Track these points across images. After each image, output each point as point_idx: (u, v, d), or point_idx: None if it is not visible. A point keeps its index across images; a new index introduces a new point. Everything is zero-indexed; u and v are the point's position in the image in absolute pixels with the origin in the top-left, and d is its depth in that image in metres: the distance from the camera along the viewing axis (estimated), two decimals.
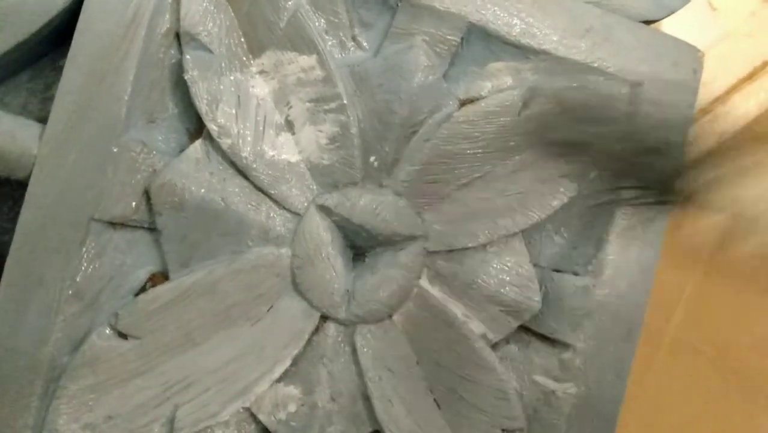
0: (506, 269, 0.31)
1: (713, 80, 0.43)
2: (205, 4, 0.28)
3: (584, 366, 0.31)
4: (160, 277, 0.28)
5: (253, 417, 0.29)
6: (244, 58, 0.28)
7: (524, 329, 0.32)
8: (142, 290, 0.28)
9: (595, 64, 0.31)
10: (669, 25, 0.38)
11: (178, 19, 0.28)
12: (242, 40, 0.28)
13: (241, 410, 0.29)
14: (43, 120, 0.27)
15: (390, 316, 0.30)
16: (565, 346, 0.31)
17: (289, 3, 0.29)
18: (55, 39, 0.28)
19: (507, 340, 0.32)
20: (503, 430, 0.31)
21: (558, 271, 0.32)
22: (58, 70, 0.28)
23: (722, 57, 0.43)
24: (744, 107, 0.45)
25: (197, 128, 0.28)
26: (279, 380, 0.29)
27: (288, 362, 0.29)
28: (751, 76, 0.43)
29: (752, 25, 0.43)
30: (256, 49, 0.29)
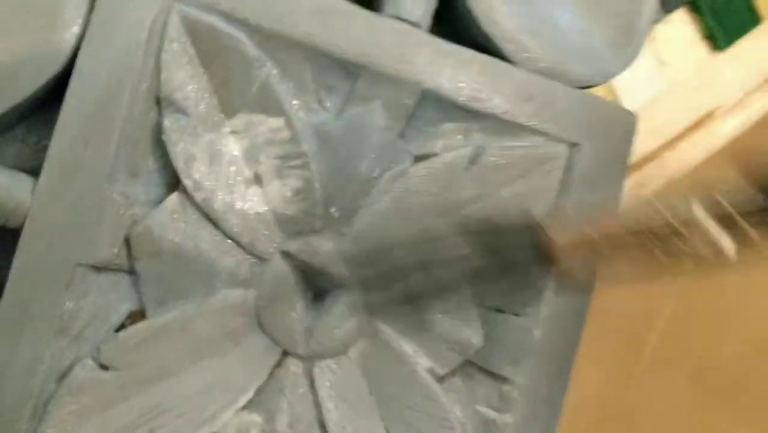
0: (452, 309, 0.34)
1: (661, 128, 0.47)
2: (183, 72, 0.31)
3: (521, 399, 0.35)
4: (139, 314, 0.32)
5: None
6: (218, 120, 0.32)
7: (469, 363, 0.35)
8: (123, 326, 0.31)
9: (538, 127, 0.35)
10: (620, 81, 0.41)
11: (158, 85, 0.31)
12: (217, 103, 0.32)
13: None
14: (35, 169, 0.31)
15: (346, 352, 0.33)
16: (504, 379, 0.35)
17: (261, 70, 0.32)
18: (48, 97, 0.32)
19: (453, 373, 0.35)
20: None
21: (500, 311, 0.35)
22: (49, 125, 0.31)
23: (670, 107, 0.46)
24: (692, 152, 0.48)
25: (175, 182, 0.32)
26: (243, 408, 0.32)
27: (251, 393, 0.32)
28: (697, 125, 0.47)
29: (699, 78, 0.46)
30: (229, 111, 0.32)
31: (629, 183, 0.47)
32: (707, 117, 0.47)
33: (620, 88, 0.44)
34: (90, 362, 0.31)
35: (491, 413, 0.35)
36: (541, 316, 0.35)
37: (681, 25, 0.45)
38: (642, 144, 0.45)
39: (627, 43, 0.37)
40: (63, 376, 0.30)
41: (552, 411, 0.35)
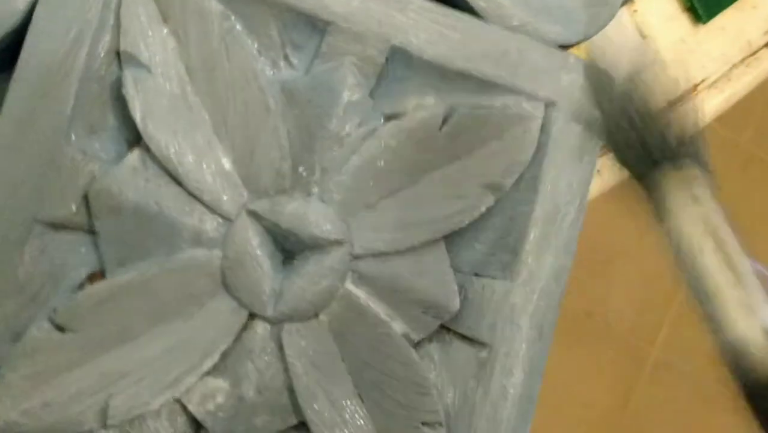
0: (428, 272, 0.33)
1: None
2: (144, 27, 0.30)
3: (499, 364, 0.33)
4: (99, 276, 0.31)
5: (184, 408, 0.31)
6: (180, 74, 0.31)
7: (445, 329, 0.34)
8: (82, 288, 0.30)
9: (512, 86, 0.34)
10: (602, 50, 0.40)
11: (118, 40, 0.30)
12: (178, 58, 0.31)
13: (172, 401, 0.31)
14: None
15: (316, 315, 0.32)
16: (482, 345, 0.34)
17: (224, 25, 0.31)
18: (8, 60, 0.31)
19: (429, 339, 0.34)
20: (423, 423, 0.33)
21: (477, 275, 0.34)
22: (7, 83, 0.30)
23: (652, 82, 0.45)
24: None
25: (135, 139, 0.31)
26: (208, 373, 0.31)
27: (217, 357, 0.31)
28: (681, 99, 0.46)
29: (681, 51, 0.46)
30: (191, 66, 0.31)
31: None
32: (691, 91, 0.46)
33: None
34: (46, 324, 0.29)
35: (469, 380, 0.33)
36: (520, 279, 0.34)
37: None
38: None
39: (602, 3, 0.36)
40: (17, 337, 0.29)
41: (532, 377, 0.33)
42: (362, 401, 0.33)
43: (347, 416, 0.32)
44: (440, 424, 0.33)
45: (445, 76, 0.34)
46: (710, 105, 0.46)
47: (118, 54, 0.30)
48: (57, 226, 0.30)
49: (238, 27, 0.32)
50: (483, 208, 0.34)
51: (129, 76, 0.30)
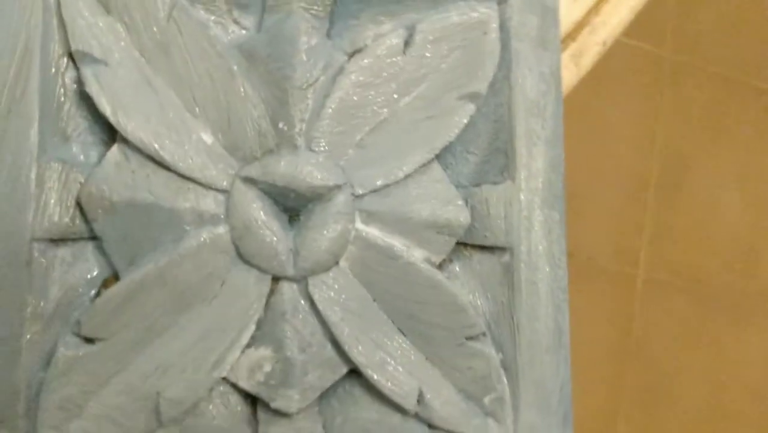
0: (431, 194, 0.33)
1: None
2: (89, 21, 0.30)
3: (523, 263, 0.33)
4: (114, 280, 0.30)
5: (234, 386, 0.30)
6: (137, 58, 0.30)
7: (462, 245, 0.34)
8: (98, 295, 0.29)
9: None
10: None
11: (67, 40, 0.29)
12: (130, 43, 0.30)
13: (222, 382, 0.30)
14: None
15: (336, 263, 0.32)
16: (502, 250, 0.34)
17: (167, 0, 0.31)
18: None
19: (449, 259, 0.34)
20: (467, 338, 0.33)
21: (478, 185, 0.34)
22: None
23: None
24: (617, 15, 0.48)
25: (111, 135, 0.30)
26: (248, 345, 0.30)
27: (252, 327, 0.30)
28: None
29: None
30: (145, 47, 0.30)
31: (566, 56, 0.47)
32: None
33: None
34: (73, 339, 0.29)
35: (497, 289, 0.33)
36: (520, 177, 0.34)
37: None
38: (570, 13, 0.45)
39: None
40: (48, 360, 0.28)
41: (557, 269, 0.34)
42: (404, 334, 0.32)
43: (393, 351, 0.32)
44: (483, 334, 0.33)
45: None
46: (618, 18, 0.47)
47: (71, 55, 0.30)
48: (57, 240, 0.29)
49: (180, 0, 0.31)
50: (466, 119, 0.34)
51: (88, 73, 0.29)
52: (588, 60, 0.47)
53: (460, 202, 0.33)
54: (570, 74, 0.46)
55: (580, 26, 0.46)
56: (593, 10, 0.47)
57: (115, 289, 0.29)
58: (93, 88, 0.29)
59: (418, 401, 0.32)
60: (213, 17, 0.32)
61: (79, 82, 0.30)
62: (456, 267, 0.34)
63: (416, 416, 0.32)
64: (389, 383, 0.31)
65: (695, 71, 1.03)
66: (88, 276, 0.29)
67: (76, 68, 0.30)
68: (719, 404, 1.07)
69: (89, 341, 0.29)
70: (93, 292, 0.30)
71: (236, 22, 0.32)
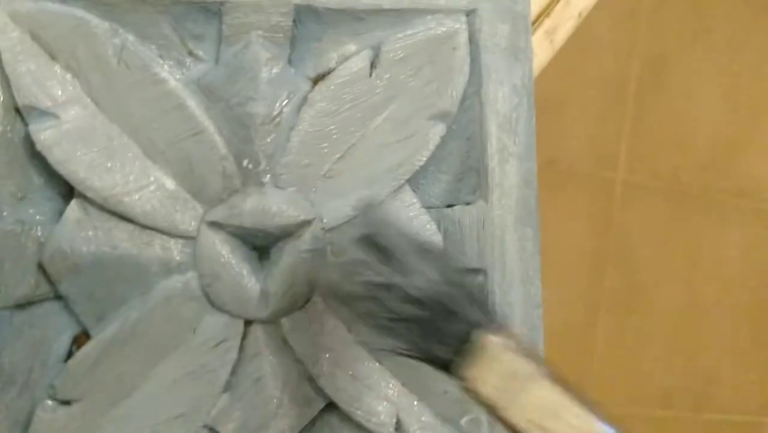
0: (402, 220, 0.33)
1: None
2: (35, 73, 0.28)
3: (495, 285, 0.33)
4: (84, 337, 0.30)
5: (212, 430, 0.31)
6: (88, 106, 0.29)
7: None
8: (70, 354, 0.29)
9: (427, 6, 0.32)
10: None
11: (12, 95, 0.28)
12: (80, 90, 0.29)
13: (204, 429, 0.30)
14: None
15: (309, 299, 0.32)
16: (476, 272, 0.33)
17: (114, 41, 0.29)
18: None
19: None
20: None
21: (450, 206, 0.34)
22: None
23: None
24: (582, 3, 0.46)
25: (68, 190, 0.29)
26: (225, 390, 0.31)
27: (228, 371, 0.31)
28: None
29: None
30: (96, 94, 0.29)
31: (540, 34, 0.45)
32: None
33: None
34: (49, 402, 0.29)
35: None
36: (493, 195, 0.33)
37: None
38: None
39: None
40: (27, 424, 0.28)
41: (526, 287, 0.34)
42: (379, 362, 0.33)
43: (370, 382, 0.32)
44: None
45: (358, 18, 0.32)
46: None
47: (17, 110, 0.28)
48: (23, 305, 0.28)
49: (131, 38, 0.29)
50: (437, 139, 0.33)
51: (37, 129, 0.28)
52: (562, 34, 0.46)
53: (432, 226, 0.33)
54: (544, 52, 0.44)
55: (554, 1, 0.44)
56: None
57: (86, 349, 0.29)
58: (44, 145, 0.28)
59: (396, 427, 0.33)
60: (166, 53, 0.30)
61: (29, 138, 0.28)
62: None
63: None
64: (367, 414, 0.32)
65: None
66: (58, 337, 0.29)
67: (24, 124, 0.28)
68: (696, 301, 1.10)
69: (65, 402, 0.29)
70: (65, 349, 0.29)
71: (192, 54, 0.31)
